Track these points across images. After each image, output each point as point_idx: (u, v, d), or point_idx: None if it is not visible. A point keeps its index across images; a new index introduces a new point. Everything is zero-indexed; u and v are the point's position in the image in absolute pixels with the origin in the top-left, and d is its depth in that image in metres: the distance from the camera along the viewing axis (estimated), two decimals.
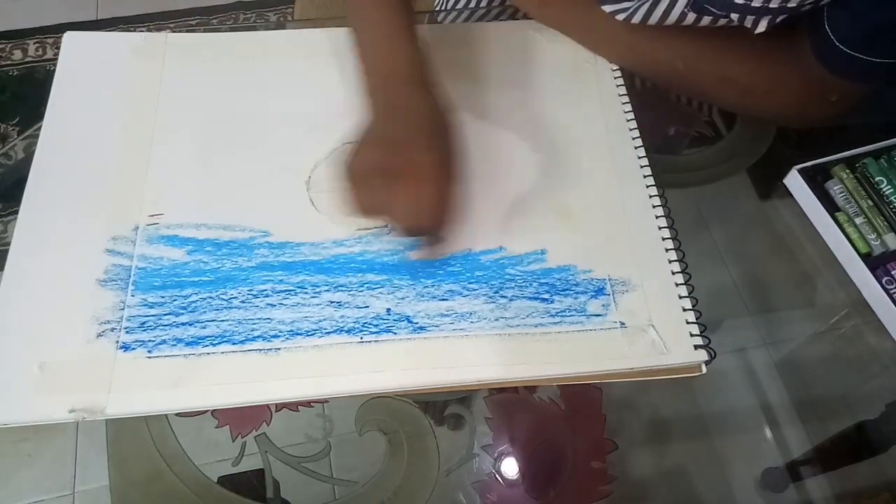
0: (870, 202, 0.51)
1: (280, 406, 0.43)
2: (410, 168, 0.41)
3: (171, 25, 1.49)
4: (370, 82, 0.46)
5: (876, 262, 0.49)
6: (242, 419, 0.43)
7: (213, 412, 0.43)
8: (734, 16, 0.48)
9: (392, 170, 0.41)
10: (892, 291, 0.48)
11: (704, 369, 0.44)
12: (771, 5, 0.46)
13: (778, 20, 0.47)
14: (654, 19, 0.51)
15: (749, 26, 0.48)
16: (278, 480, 0.42)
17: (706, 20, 0.50)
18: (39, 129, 0.50)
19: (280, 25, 1.33)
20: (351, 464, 0.43)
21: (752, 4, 0.46)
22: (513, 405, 0.45)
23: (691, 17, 0.50)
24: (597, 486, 0.43)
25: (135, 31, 0.55)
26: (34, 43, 1.46)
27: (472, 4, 0.63)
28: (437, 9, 0.72)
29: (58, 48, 0.54)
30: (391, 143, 0.42)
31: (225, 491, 0.41)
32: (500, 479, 0.43)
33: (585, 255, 0.47)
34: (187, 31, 0.56)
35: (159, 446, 0.42)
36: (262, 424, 0.43)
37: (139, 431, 0.42)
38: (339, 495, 0.42)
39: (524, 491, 0.42)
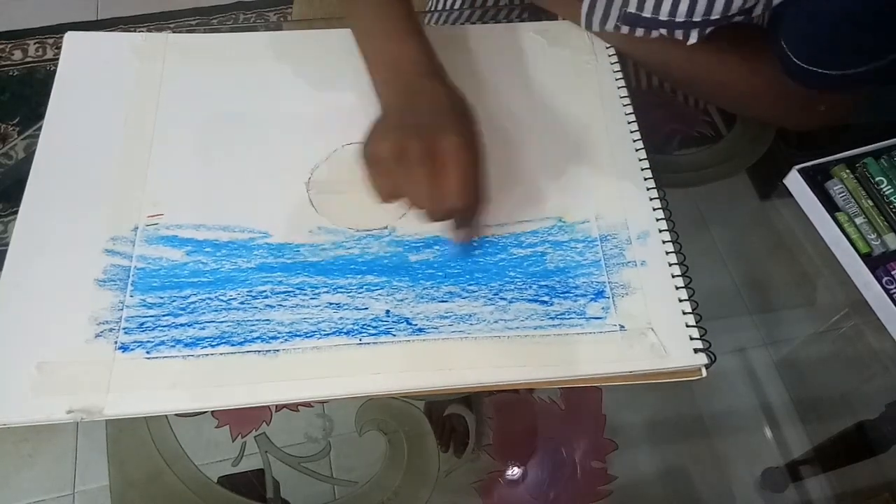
0: (870, 202, 0.51)
1: (280, 406, 0.43)
2: (432, 152, 0.40)
3: (172, 25, 1.49)
4: (382, 75, 0.46)
5: (876, 262, 0.49)
6: (242, 419, 0.43)
7: (213, 412, 0.43)
8: (662, 30, 0.49)
9: (413, 155, 0.40)
10: (892, 291, 0.48)
11: (704, 373, 0.43)
12: (694, 19, 0.47)
13: (708, 31, 0.48)
14: (595, 27, 0.53)
15: (681, 38, 0.49)
16: (278, 480, 0.42)
17: (640, 32, 0.51)
18: (40, 129, 0.50)
19: (280, 26, 1.33)
20: (351, 464, 0.43)
21: (676, 20, 0.48)
22: (513, 405, 0.45)
23: (625, 28, 0.52)
24: (597, 486, 0.43)
25: (135, 31, 0.55)
26: (34, 43, 1.46)
27: (458, 5, 0.63)
28: (429, 9, 0.72)
29: (58, 48, 0.54)
30: (411, 128, 0.42)
31: (225, 491, 0.41)
32: (500, 479, 0.43)
33: (584, 258, 0.47)
34: (188, 32, 0.56)
35: (159, 446, 0.42)
36: (262, 424, 0.43)
37: (139, 431, 0.42)
38: (339, 495, 0.42)
39: (524, 491, 0.42)
